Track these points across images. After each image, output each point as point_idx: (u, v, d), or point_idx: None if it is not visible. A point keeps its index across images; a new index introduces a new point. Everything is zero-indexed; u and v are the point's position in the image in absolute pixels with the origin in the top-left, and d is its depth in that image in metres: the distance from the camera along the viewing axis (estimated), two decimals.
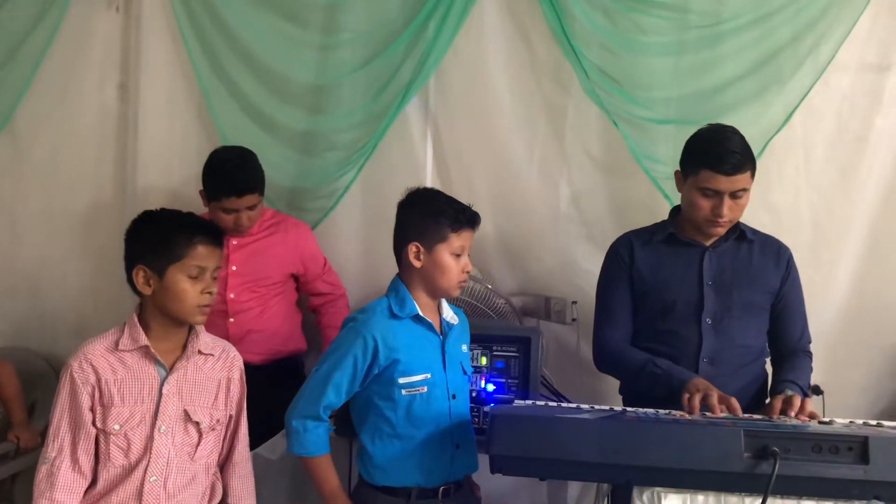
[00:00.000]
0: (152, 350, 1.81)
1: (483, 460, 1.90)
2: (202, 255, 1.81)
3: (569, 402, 2.30)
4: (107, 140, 3.10)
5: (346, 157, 2.91)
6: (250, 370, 2.68)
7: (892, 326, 2.69)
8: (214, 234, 1.88)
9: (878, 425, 1.74)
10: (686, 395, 1.93)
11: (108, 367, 1.79)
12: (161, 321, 1.83)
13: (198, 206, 2.63)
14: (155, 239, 1.82)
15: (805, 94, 2.62)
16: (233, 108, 2.97)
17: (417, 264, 1.93)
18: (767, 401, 2.04)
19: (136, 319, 1.84)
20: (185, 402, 1.83)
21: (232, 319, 2.70)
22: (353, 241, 2.98)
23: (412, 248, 1.93)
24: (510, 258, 2.89)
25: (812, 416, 1.86)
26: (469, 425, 2.01)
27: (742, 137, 2.14)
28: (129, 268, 1.83)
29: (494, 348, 2.35)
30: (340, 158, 2.92)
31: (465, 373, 2.04)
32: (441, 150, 2.91)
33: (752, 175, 2.13)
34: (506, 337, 2.37)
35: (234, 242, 2.72)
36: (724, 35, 2.67)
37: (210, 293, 1.82)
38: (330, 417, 1.96)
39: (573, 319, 2.69)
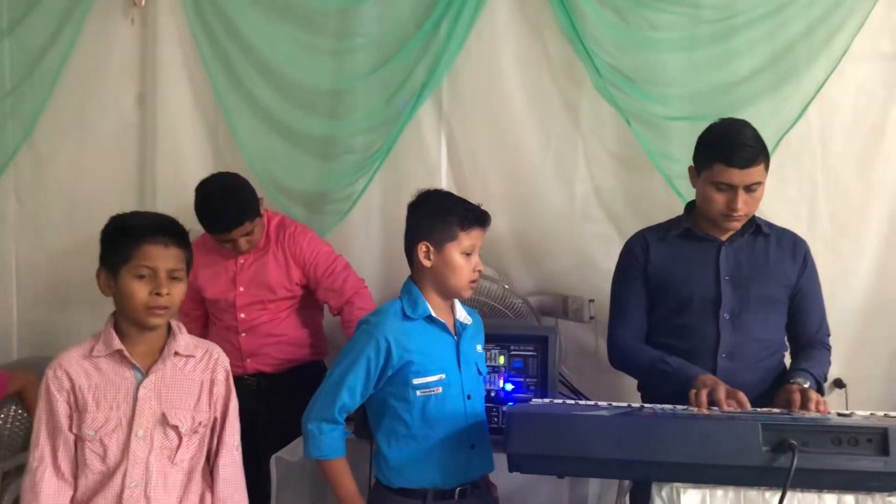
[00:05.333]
0: (126, 353, 1.78)
1: (500, 459, 1.91)
2: (149, 254, 1.76)
3: (587, 400, 2.29)
4: (127, 150, 3.14)
5: (361, 161, 2.93)
6: (265, 379, 2.73)
7: None
8: (168, 232, 1.80)
9: None
10: (693, 392, 1.93)
11: (83, 372, 1.77)
12: (130, 324, 1.80)
13: None
14: (109, 242, 1.81)
15: (820, 86, 2.60)
16: (249, 115, 3.00)
17: (428, 264, 1.93)
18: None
19: (111, 324, 1.81)
20: (163, 405, 1.79)
21: (243, 335, 2.73)
22: (371, 243, 3.00)
23: (422, 248, 1.93)
24: (527, 257, 2.89)
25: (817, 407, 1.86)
26: (485, 425, 2.01)
27: (754, 130, 2.12)
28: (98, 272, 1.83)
29: (512, 348, 2.34)
30: (357, 162, 2.95)
31: (480, 373, 2.03)
32: (455, 150, 2.93)
33: (766, 168, 2.12)
34: (523, 336, 2.36)
35: (241, 261, 2.72)
36: (738, 29, 2.65)
37: (160, 294, 1.75)
38: (347, 421, 1.97)
39: (591, 317, 2.68)
